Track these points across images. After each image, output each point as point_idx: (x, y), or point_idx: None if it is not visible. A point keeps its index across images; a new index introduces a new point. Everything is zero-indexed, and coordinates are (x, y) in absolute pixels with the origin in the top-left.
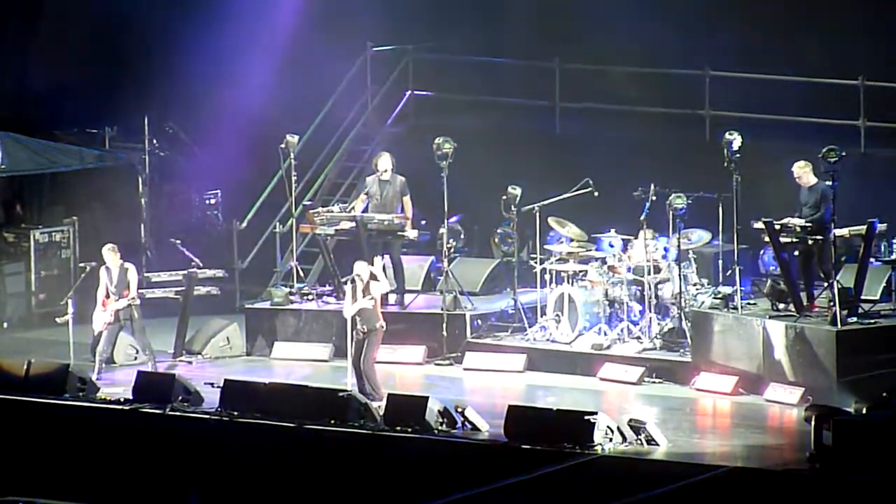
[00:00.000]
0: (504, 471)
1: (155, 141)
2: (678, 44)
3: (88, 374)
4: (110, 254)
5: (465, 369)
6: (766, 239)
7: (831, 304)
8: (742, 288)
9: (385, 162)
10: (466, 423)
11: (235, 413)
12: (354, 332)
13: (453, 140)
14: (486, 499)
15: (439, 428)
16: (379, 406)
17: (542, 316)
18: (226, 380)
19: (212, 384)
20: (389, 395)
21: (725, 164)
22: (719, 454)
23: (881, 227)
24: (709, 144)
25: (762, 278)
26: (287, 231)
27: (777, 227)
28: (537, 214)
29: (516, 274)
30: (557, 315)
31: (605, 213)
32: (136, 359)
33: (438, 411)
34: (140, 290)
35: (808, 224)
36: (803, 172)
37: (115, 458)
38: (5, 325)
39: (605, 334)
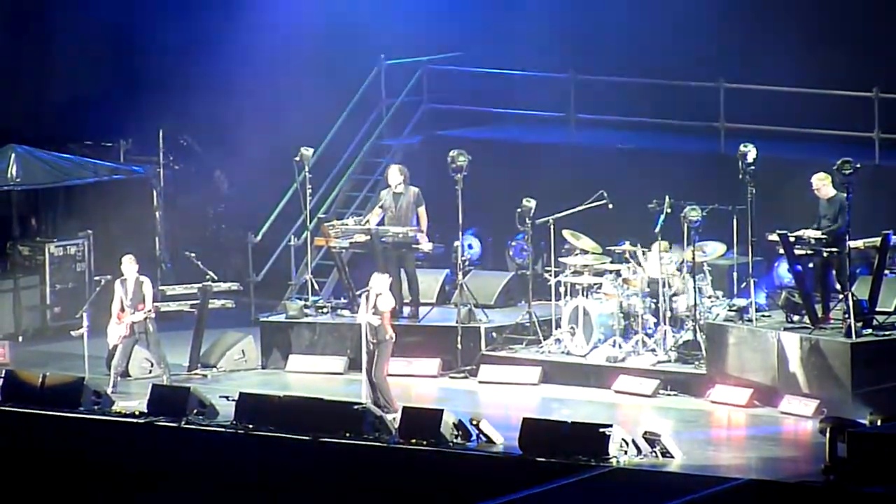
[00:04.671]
0: (519, 484)
1: (170, 154)
2: (693, 56)
3: (103, 387)
4: (129, 264)
5: (480, 382)
6: (781, 251)
7: (846, 316)
8: (756, 301)
9: (395, 175)
10: (481, 435)
11: (250, 426)
12: (365, 343)
13: (468, 152)
14: None
15: (454, 441)
16: (394, 419)
17: (556, 328)
18: (241, 393)
19: (227, 397)
20: (404, 407)
21: (740, 177)
22: (734, 466)
23: None
24: (723, 156)
25: (777, 290)
26: (302, 244)
27: (792, 239)
28: (552, 227)
29: (531, 286)
30: (572, 327)
31: (619, 226)
32: (150, 372)
33: (453, 424)
34: (155, 304)
35: (822, 236)
36: (822, 185)
37: (130, 471)
38: (20, 338)
39: (620, 347)
